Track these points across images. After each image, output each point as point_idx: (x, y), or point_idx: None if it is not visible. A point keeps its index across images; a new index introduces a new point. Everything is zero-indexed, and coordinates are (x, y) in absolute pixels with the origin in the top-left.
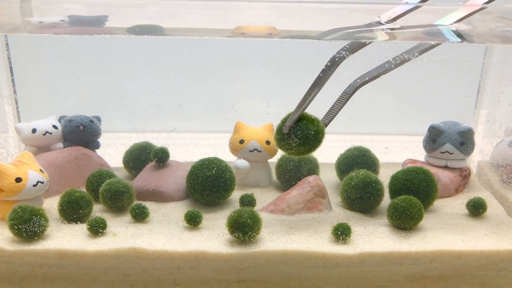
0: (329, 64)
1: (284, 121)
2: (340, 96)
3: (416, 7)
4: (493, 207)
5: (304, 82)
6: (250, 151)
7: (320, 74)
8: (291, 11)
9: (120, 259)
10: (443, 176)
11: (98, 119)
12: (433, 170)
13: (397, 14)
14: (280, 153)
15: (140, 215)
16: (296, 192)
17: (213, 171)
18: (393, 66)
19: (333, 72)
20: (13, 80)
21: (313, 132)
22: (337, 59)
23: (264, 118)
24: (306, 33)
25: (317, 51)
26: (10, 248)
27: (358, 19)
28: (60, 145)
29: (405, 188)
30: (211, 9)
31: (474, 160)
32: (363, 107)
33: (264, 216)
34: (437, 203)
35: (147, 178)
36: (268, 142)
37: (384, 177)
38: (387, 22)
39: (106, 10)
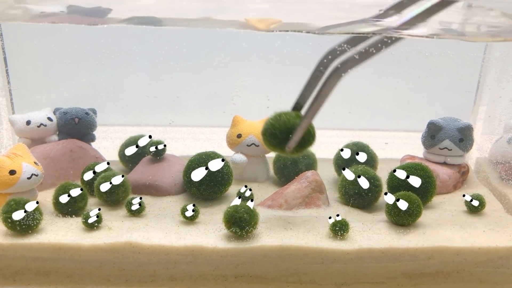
0: (329, 73)
1: (273, 124)
2: (313, 73)
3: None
4: (492, 204)
5: (305, 75)
6: (247, 145)
7: (322, 88)
8: (291, 3)
9: (115, 254)
10: (441, 173)
11: (94, 111)
12: (431, 166)
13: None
14: None
15: (136, 209)
16: (294, 187)
17: None
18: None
19: (336, 84)
20: (7, 71)
21: (308, 140)
22: (342, 71)
23: (263, 112)
24: (307, 26)
25: (318, 44)
26: (3, 241)
27: (359, 13)
28: (55, 137)
29: (403, 184)
30: (210, 0)
31: (472, 157)
32: (362, 102)
33: (261, 211)
34: (435, 199)
35: (143, 171)
36: None
37: (382, 173)
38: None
39: (103, 0)
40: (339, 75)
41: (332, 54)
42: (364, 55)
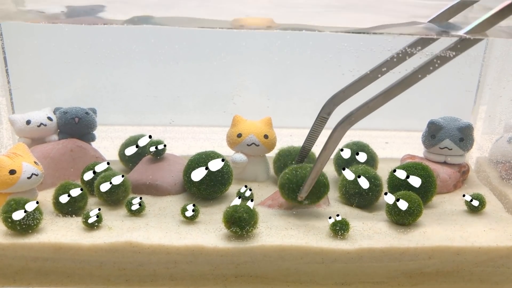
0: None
1: (290, 179)
2: (317, 118)
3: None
4: (492, 203)
5: (305, 75)
6: (247, 145)
7: (330, 137)
8: (291, 2)
9: (115, 253)
10: (442, 172)
11: (94, 111)
12: (432, 166)
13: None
14: (278, 147)
15: (136, 209)
16: None
17: None
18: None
19: (342, 137)
20: (7, 70)
21: (324, 191)
22: (347, 124)
23: (263, 112)
24: (307, 26)
25: (318, 44)
26: (3, 241)
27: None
28: (55, 137)
29: (404, 183)
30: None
31: (472, 156)
32: (362, 102)
33: (261, 210)
34: (436, 199)
35: (143, 171)
36: (266, 136)
37: (383, 172)
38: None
39: (104, 0)
40: (344, 129)
41: (335, 100)
42: (367, 109)
